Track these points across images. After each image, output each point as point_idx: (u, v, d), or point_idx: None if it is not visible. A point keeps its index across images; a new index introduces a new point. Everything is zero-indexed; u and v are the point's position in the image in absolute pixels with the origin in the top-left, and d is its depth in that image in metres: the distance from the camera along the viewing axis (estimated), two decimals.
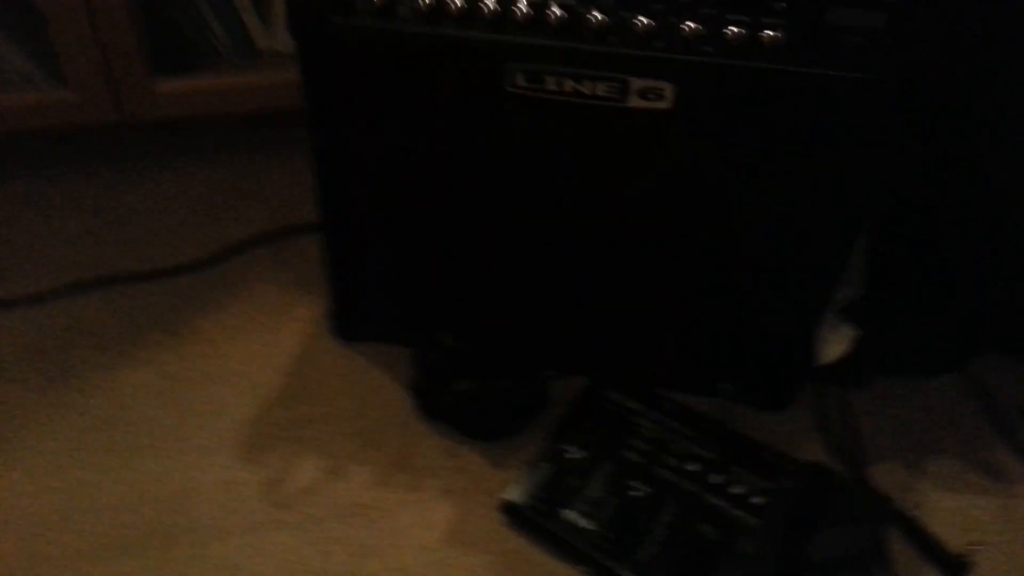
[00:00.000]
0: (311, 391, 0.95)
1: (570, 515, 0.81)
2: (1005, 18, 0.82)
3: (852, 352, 0.96)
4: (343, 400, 0.94)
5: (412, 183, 0.85)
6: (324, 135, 0.83)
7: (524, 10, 0.70)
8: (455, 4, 0.70)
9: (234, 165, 1.27)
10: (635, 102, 0.72)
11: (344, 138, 0.82)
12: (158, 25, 1.12)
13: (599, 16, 0.69)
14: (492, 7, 0.70)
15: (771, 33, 0.67)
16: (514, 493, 0.83)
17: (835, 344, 0.97)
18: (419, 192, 0.85)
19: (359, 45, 0.75)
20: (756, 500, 0.82)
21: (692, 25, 0.68)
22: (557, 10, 0.69)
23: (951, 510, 0.86)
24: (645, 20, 0.68)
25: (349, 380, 0.97)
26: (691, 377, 0.95)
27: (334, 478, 0.87)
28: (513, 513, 0.83)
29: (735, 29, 0.68)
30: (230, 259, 1.12)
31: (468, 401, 0.90)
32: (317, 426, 0.92)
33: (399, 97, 0.78)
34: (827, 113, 0.71)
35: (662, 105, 0.72)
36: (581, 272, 0.88)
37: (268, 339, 1.01)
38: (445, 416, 0.91)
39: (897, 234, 0.98)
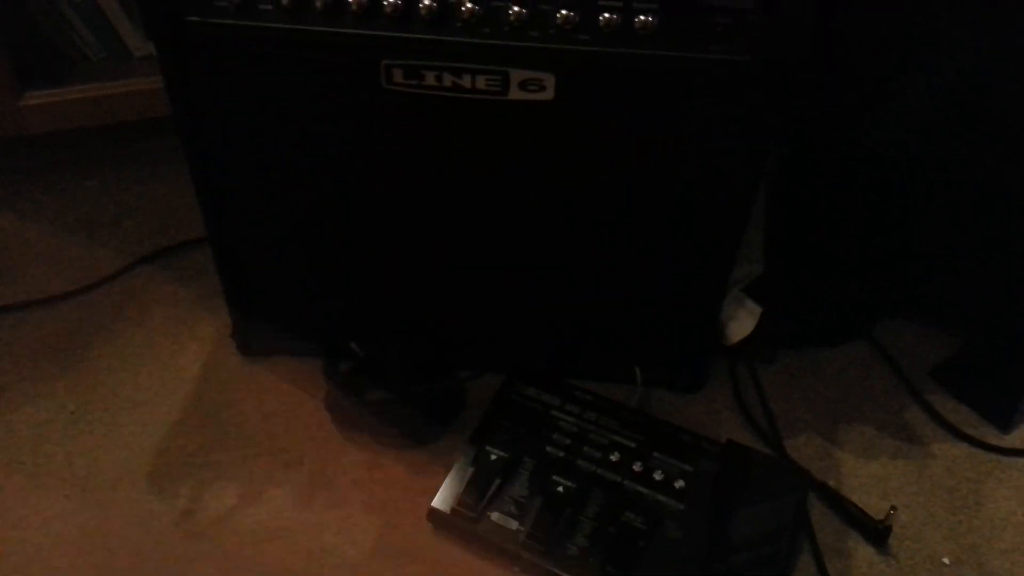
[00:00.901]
0: (219, 412, 0.92)
1: (497, 516, 0.81)
2: None
3: (759, 328, 0.98)
4: (254, 419, 0.91)
5: (295, 187, 0.82)
6: (195, 141, 0.79)
7: (394, 2, 0.68)
8: None
9: (116, 179, 1.21)
10: (517, 94, 0.71)
11: (217, 144, 0.79)
12: (20, 34, 1.05)
13: (470, 6, 0.67)
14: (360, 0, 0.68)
15: (644, 18, 0.67)
16: (440, 500, 0.82)
17: (742, 322, 0.99)
18: (304, 196, 0.83)
19: (220, 44, 0.71)
20: (678, 484, 0.83)
21: (565, 13, 0.67)
22: (428, 1, 0.67)
23: (869, 475, 0.89)
24: (517, 8, 0.67)
25: (258, 398, 0.93)
26: (604, 365, 0.96)
27: (251, 502, 0.84)
28: (440, 520, 0.82)
29: (608, 15, 0.67)
30: (120, 280, 1.06)
31: (384, 410, 0.88)
32: (228, 449, 0.88)
33: (270, 98, 0.75)
34: (704, 95, 0.71)
35: (544, 96, 0.71)
36: (481, 268, 0.87)
37: (169, 362, 0.97)
38: (362, 427, 0.89)
39: (792, 208, 1.01)
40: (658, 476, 0.83)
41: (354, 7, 0.68)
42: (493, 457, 0.84)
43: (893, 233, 0.99)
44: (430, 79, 0.70)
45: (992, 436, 0.94)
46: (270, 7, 0.69)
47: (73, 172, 1.21)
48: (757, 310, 0.99)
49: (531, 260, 0.86)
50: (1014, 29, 0.84)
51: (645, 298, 0.89)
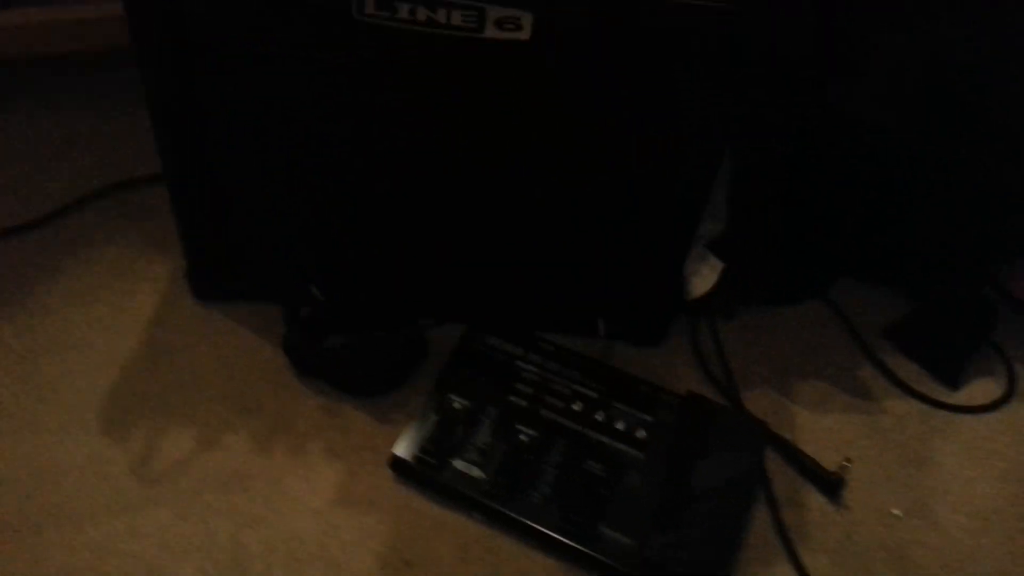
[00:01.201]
0: (173, 356, 0.89)
1: (460, 464, 0.80)
2: None
3: (720, 284, 0.98)
4: (210, 364, 0.89)
5: (259, 124, 0.79)
6: (155, 74, 0.75)
7: None
8: None
9: (68, 111, 1.15)
10: (493, 32, 0.69)
11: (179, 78, 0.75)
12: None
13: None
14: None
15: None
16: (401, 448, 0.82)
17: (704, 277, 0.99)
18: (268, 134, 0.80)
19: None
20: (639, 435, 0.84)
21: None
22: None
23: (824, 429, 0.91)
24: None
25: (214, 342, 0.91)
26: (567, 317, 0.95)
27: (208, 447, 0.82)
28: (402, 468, 0.81)
29: None
30: (69, 217, 1.02)
31: (345, 357, 0.87)
32: (184, 393, 0.86)
33: (236, 28, 0.72)
34: (682, 43, 0.70)
35: (520, 36, 0.69)
36: (447, 215, 0.86)
37: (120, 303, 0.94)
38: (322, 374, 0.88)
39: (756, 167, 1.01)
40: (619, 426, 0.84)
41: None
42: (456, 406, 0.84)
43: (855, 196, 1.00)
44: (403, 12, 0.68)
45: (941, 394, 0.97)
46: None
47: (22, 101, 1.15)
48: (719, 266, 0.99)
49: (497, 208, 0.85)
50: (992, 11, 0.85)
51: (610, 251, 0.88)
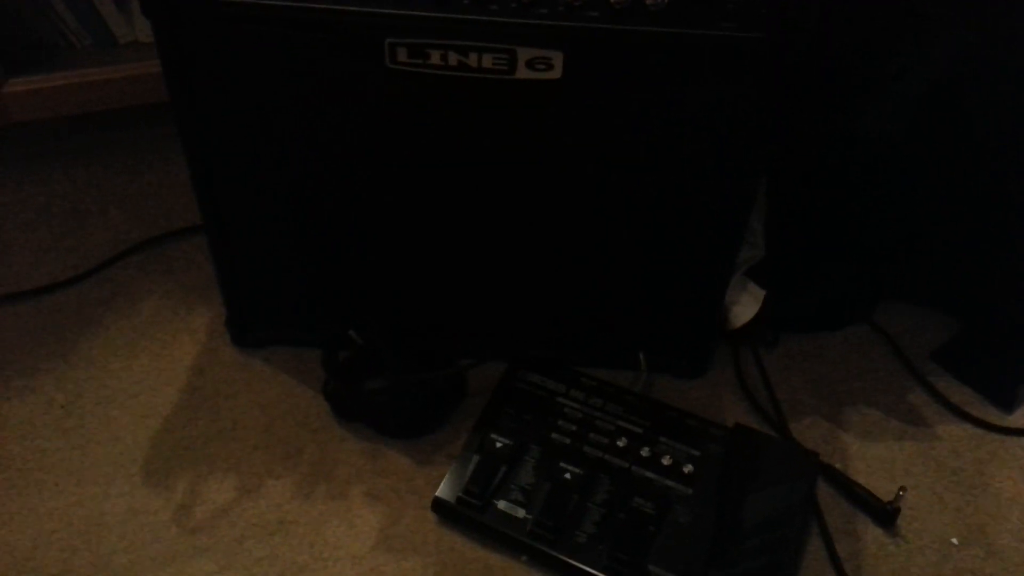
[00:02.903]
0: (214, 405, 0.90)
1: (503, 505, 0.79)
2: None
3: (762, 312, 0.97)
4: (250, 411, 0.89)
5: (296, 172, 0.80)
6: (193, 127, 0.76)
7: None
8: None
9: (103, 168, 1.18)
10: (524, 73, 0.69)
11: (215, 129, 0.77)
12: (3, 21, 1.03)
13: None
14: None
15: None
16: (444, 490, 0.80)
17: (745, 306, 0.98)
18: (305, 181, 0.80)
19: (220, 23, 0.69)
20: (687, 469, 0.82)
21: None
22: None
23: (876, 458, 0.89)
24: None
25: (255, 389, 0.91)
26: (609, 351, 0.94)
27: (250, 495, 0.82)
28: (445, 510, 0.80)
29: None
30: (109, 271, 1.04)
31: (384, 399, 0.86)
32: (225, 441, 0.86)
33: (271, 80, 0.73)
34: (714, 74, 0.70)
35: (552, 75, 0.70)
36: (484, 253, 0.86)
37: (161, 354, 0.94)
38: (363, 417, 0.87)
39: (793, 191, 1.00)
40: (666, 461, 0.82)
41: None
42: (498, 445, 0.83)
43: (892, 216, 0.99)
44: (435, 58, 0.69)
45: (995, 416, 0.94)
46: None
47: (59, 161, 1.18)
48: (760, 294, 0.98)
49: (535, 244, 0.84)
50: (1006, 16, 0.83)
51: (650, 283, 0.87)
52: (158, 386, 0.91)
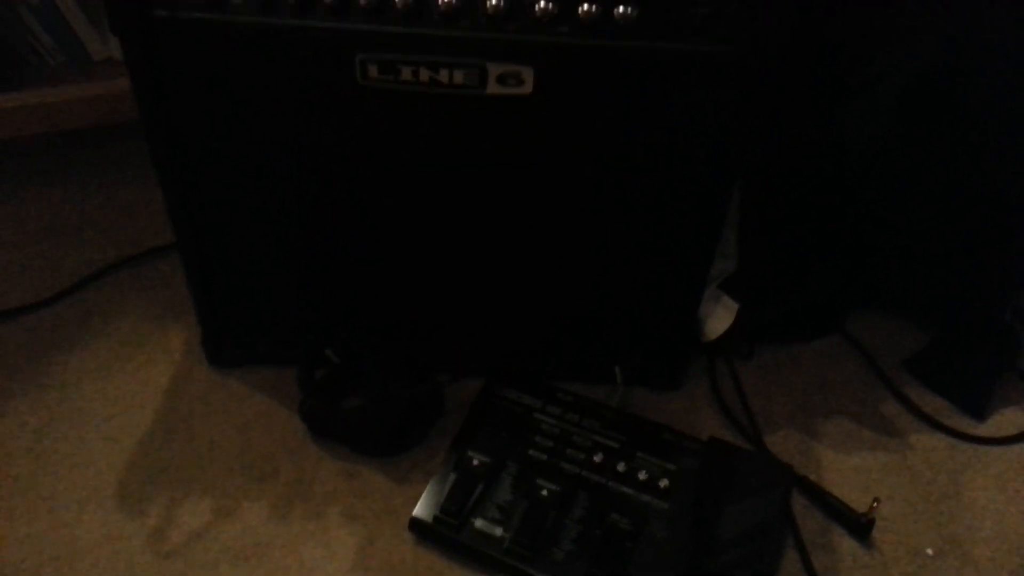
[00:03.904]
0: (190, 426, 0.89)
1: (481, 524, 0.79)
2: None
3: (736, 324, 0.98)
4: (227, 432, 0.89)
5: (268, 189, 0.80)
6: (163, 143, 0.76)
7: None
8: None
9: (77, 186, 1.17)
10: (495, 89, 0.70)
11: (186, 145, 0.76)
12: None
13: None
14: None
15: (623, 9, 0.66)
16: (421, 509, 0.80)
17: (719, 318, 0.99)
18: (277, 198, 0.80)
19: (189, 40, 0.69)
20: (663, 483, 0.82)
21: (544, 4, 0.66)
22: None
23: (850, 469, 0.89)
24: (495, 0, 0.66)
25: (231, 410, 0.91)
26: (584, 365, 0.94)
27: (226, 517, 0.81)
28: (422, 529, 0.80)
29: (587, 6, 0.66)
30: (83, 291, 1.03)
31: (361, 418, 0.86)
32: (201, 463, 0.86)
33: (242, 96, 0.73)
34: (684, 87, 0.71)
35: (522, 91, 0.70)
36: (458, 268, 0.85)
37: (136, 375, 0.94)
38: (339, 437, 0.87)
39: (765, 201, 1.01)
40: (642, 476, 0.83)
41: (328, 1, 0.66)
42: (475, 463, 0.83)
43: (862, 226, 1.00)
44: (406, 74, 0.69)
45: (968, 426, 0.95)
46: (240, 1, 0.67)
47: (32, 180, 1.17)
48: (734, 306, 0.99)
49: (509, 259, 0.84)
50: (980, 24, 0.84)
51: (624, 296, 0.88)
52: (133, 408, 0.90)
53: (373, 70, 0.69)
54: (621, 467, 0.83)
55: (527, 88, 0.70)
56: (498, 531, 0.78)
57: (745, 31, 0.67)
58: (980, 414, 0.96)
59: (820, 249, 1.02)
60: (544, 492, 0.81)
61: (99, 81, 1.09)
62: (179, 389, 0.92)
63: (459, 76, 0.69)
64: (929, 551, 0.83)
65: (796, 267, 1.03)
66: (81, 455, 0.86)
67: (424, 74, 0.69)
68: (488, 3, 0.66)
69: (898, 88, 0.89)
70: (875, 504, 0.82)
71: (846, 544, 0.83)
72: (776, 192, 1.01)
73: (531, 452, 0.85)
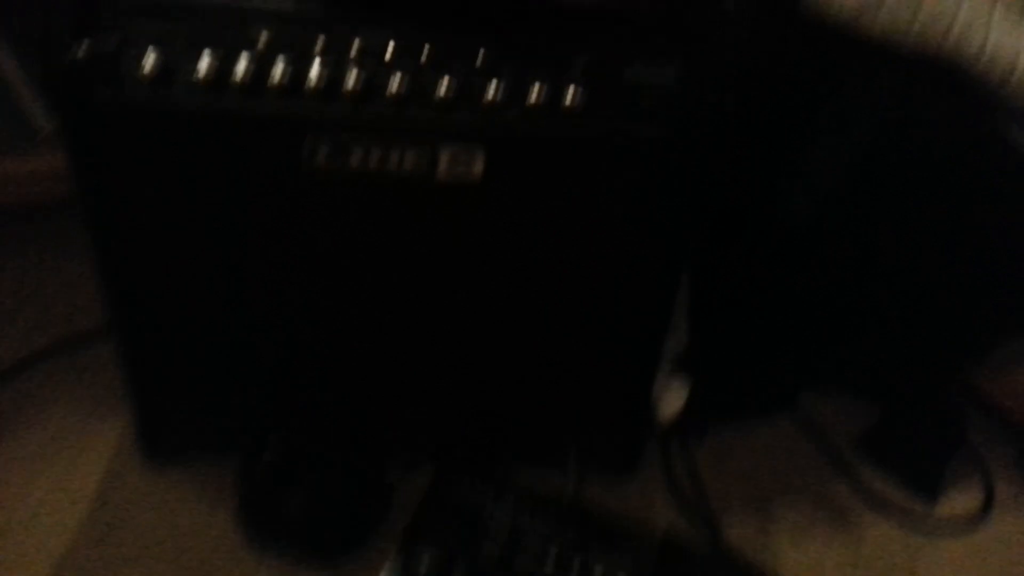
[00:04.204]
0: (122, 526, 0.85)
1: None
2: (793, 63, 0.86)
3: (689, 403, 0.96)
4: (160, 533, 0.84)
5: (209, 274, 0.77)
6: (102, 225, 0.73)
7: (318, 77, 0.65)
8: (239, 74, 0.64)
9: (11, 266, 1.13)
10: (446, 173, 0.69)
11: (126, 228, 0.73)
12: None
13: (400, 79, 0.65)
14: (282, 76, 0.65)
15: (572, 95, 0.66)
16: None
17: (672, 398, 0.97)
18: (218, 283, 0.77)
19: (131, 122, 0.67)
20: None
21: (496, 89, 0.66)
22: (355, 75, 0.65)
23: (808, 562, 0.88)
24: (447, 85, 0.66)
25: (166, 508, 0.87)
26: (537, 451, 0.92)
27: None
28: None
29: (537, 93, 0.66)
30: (15, 379, 0.98)
31: (304, 517, 0.83)
32: (132, 568, 0.81)
33: (184, 179, 0.70)
34: (634, 171, 0.71)
35: (472, 175, 0.69)
36: (405, 356, 0.83)
37: (66, 473, 0.89)
38: (280, 539, 0.84)
39: (715, 278, 1.00)
40: (597, 574, 0.80)
41: (276, 83, 0.65)
42: (423, 567, 0.80)
43: (810, 302, 1.00)
44: (356, 157, 0.68)
45: (921, 507, 0.95)
46: (186, 83, 0.65)
47: None
48: (686, 385, 0.97)
49: (456, 345, 0.82)
50: (923, 103, 0.86)
51: (576, 380, 0.86)
52: (62, 507, 0.86)
53: (322, 154, 0.67)
54: (576, 564, 0.81)
55: (476, 174, 0.69)
56: None
57: (689, 116, 0.68)
58: (932, 495, 0.96)
59: (771, 325, 1.02)
60: None
61: (41, 155, 1.05)
62: (112, 486, 0.88)
63: (410, 159, 0.68)
64: None
65: (747, 343, 1.03)
66: (5, 561, 0.81)
67: (374, 158, 0.68)
68: (439, 87, 0.66)
69: (840, 166, 0.89)
70: None
71: None
72: (725, 268, 1.01)
73: (481, 553, 0.82)
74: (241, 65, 0.65)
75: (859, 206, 0.90)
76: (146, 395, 0.86)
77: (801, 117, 0.90)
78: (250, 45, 0.65)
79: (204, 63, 0.64)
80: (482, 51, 0.66)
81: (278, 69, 0.65)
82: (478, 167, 0.69)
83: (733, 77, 0.69)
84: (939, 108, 0.84)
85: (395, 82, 0.65)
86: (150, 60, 0.64)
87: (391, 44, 0.66)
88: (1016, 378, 1.02)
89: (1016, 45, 0.80)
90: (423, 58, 0.66)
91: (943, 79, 0.80)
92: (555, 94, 0.66)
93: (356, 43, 0.66)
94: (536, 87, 0.66)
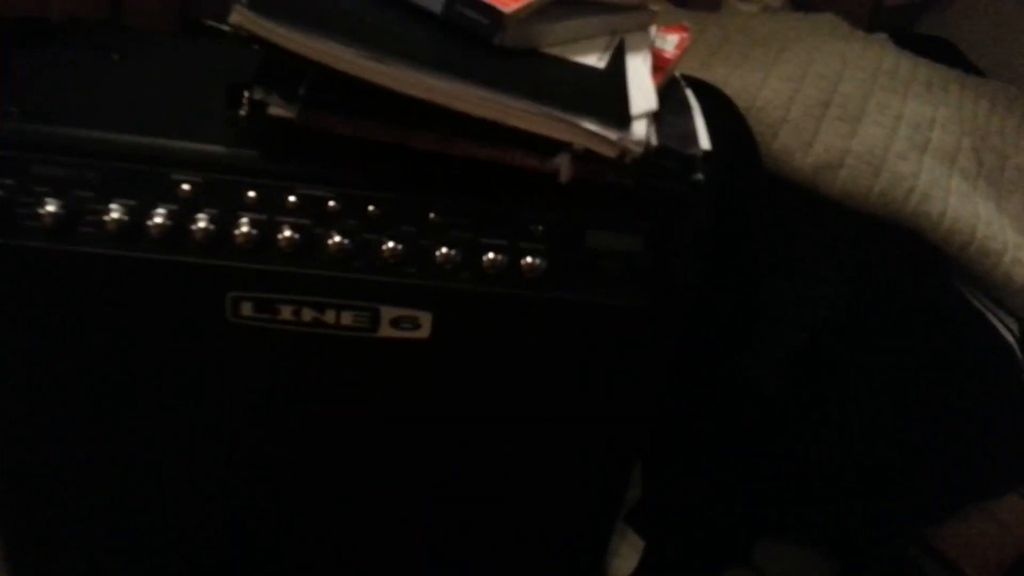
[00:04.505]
0: None
1: None
2: (754, 236, 0.85)
3: (642, 562, 0.92)
4: None
5: (111, 430, 0.69)
6: None
7: (247, 232, 0.59)
8: (155, 224, 0.58)
9: None
10: (388, 332, 0.64)
11: (22, 375, 0.66)
12: None
13: (339, 239, 0.60)
14: (205, 228, 0.59)
15: (531, 260, 0.62)
16: None
17: (626, 558, 0.93)
18: (122, 442, 0.70)
19: (31, 269, 0.61)
20: None
21: (447, 251, 0.62)
22: (288, 232, 0.60)
23: None
24: (393, 244, 0.61)
25: None
26: None
27: None
28: None
29: (492, 256, 0.62)
30: None
31: None
32: None
33: (92, 329, 0.64)
34: (589, 334, 0.68)
35: (419, 335, 0.64)
36: (344, 518, 0.77)
37: None
38: None
39: (671, 435, 0.97)
40: None
41: (198, 236, 0.59)
42: None
43: (765, 458, 0.96)
44: (286, 313, 0.62)
45: None
46: (92, 230, 0.59)
47: None
48: (640, 544, 0.94)
49: (403, 501, 0.76)
50: (875, 281, 0.85)
51: (528, 539, 0.81)
52: None
53: (247, 308, 0.62)
54: None
55: (425, 332, 0.64)
56: None
57: (654, 287, 0.65)
58: None
59: (726, 483, 0.98)
60: None
61: None
62: None
63: (348, 318, 0.63)
64: None
65: (701, 499, 0.99)
66: None
67: (307, 314, 0.62)
68: (383, 247, 0.61)
69: (802, 328, 0.88)
70: None
71: None
72: (679, 428, 0.98)
73: None
74: (157, 218, 0.59)
75: (819, 372, 0.89)
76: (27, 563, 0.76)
77: (762, 285, 0.89)
78: (169, 195, 0.59)
79: (114, 213, 0.58)
80: (432, 211, 0.62)
81: (200, 223, 0.59)
82: (425, 327, 0.64)
83: (700, 245, 0.66)
84: (898, 272, 0.83)
85: (334, 239, 0.60)
86: (49, 206, 0.58)
87: (331, 201, 0.61)
88: (968, 532, 0.99)
89: (974, 213, 0.80)
90: (367, 214, 0.61)
91: (902, 242, 0.80)
92: (513, 257, 0.62)
93: (291, 197, 0.60)
94: (491, 251, 0.62)
